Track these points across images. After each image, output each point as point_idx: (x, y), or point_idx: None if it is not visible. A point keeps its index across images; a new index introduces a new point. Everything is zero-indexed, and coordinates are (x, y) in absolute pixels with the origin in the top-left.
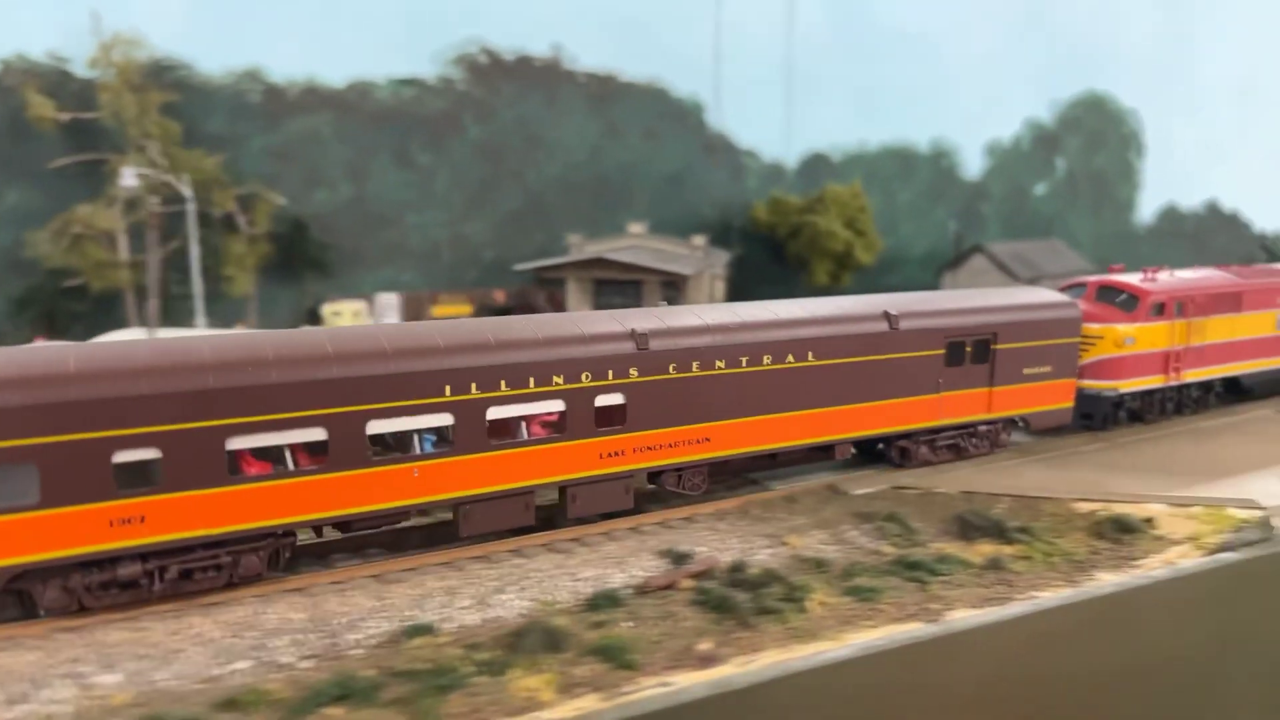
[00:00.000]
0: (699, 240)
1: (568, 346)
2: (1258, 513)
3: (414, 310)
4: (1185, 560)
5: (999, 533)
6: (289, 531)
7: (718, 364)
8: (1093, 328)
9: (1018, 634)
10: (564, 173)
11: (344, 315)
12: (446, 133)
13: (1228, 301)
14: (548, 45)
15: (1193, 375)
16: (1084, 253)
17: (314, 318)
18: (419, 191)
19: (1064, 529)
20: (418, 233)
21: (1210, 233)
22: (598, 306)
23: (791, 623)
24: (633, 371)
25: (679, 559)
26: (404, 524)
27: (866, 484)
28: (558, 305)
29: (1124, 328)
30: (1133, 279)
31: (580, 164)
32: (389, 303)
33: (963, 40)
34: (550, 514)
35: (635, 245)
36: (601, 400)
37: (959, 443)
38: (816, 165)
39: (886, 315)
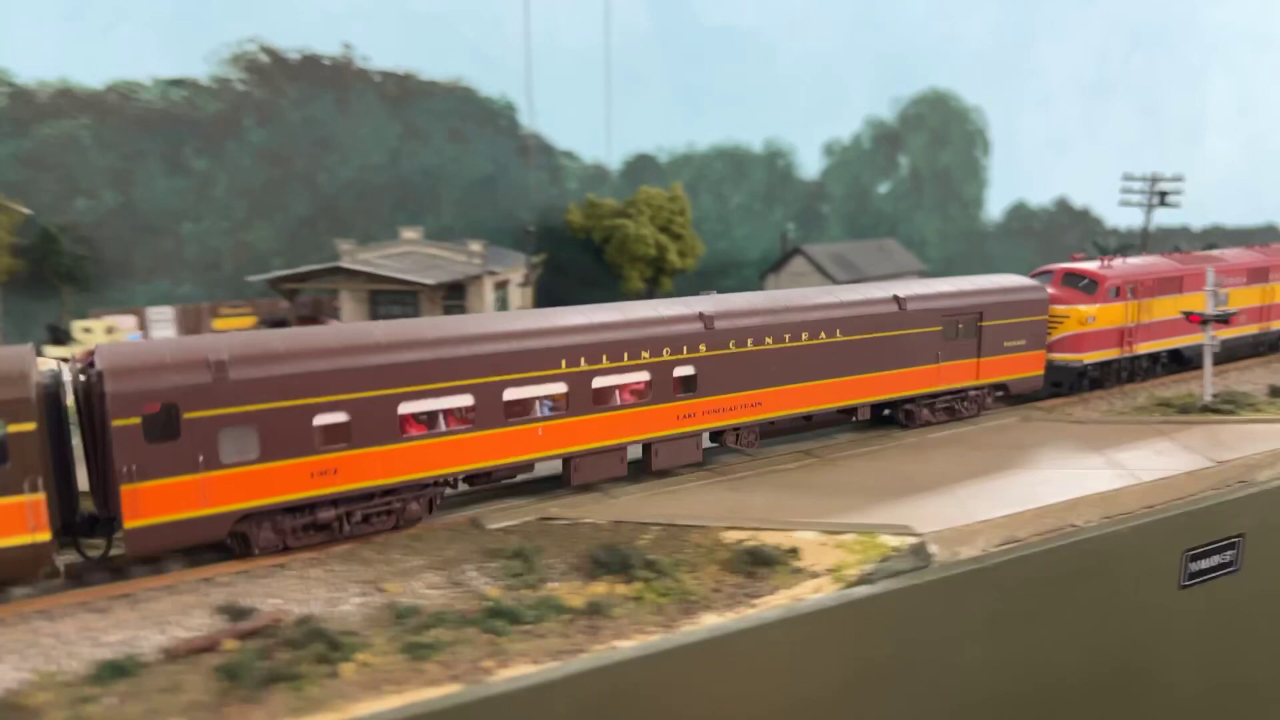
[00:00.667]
0: (476, 246)
1: (652, 327)
2: (910, 539)
3: (191, 323)
4: (813, 596)
5: (624, 569)
6: (443, 481)
7: (767, 340)
8: (1060, 308)
9: (586, 691)
10: (360, 176)
11: (96, 333)
12: (225, 136)
13: (1171, 284)
14: (337, 43)
15: (1144, 348)
16: (931, 251)
17: (59, 335)
18: (195, 198)
19: (701, 562)
20: (195, 242)
21: (1061, 229)
22: (375, 316)
23: (308, 691)
24: (702, 347)
25: (238, 615)
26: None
27: (511, 515)
28: (327, 316)
29: (1086, 308)
30: (1092, 266)
31: (378, 167)
32: (162, 316)
33: (796, 37)
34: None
35: (409, 252)
36: (678, 371)
37: (954, 405)
38: (642, 167)
39: (896, 299)
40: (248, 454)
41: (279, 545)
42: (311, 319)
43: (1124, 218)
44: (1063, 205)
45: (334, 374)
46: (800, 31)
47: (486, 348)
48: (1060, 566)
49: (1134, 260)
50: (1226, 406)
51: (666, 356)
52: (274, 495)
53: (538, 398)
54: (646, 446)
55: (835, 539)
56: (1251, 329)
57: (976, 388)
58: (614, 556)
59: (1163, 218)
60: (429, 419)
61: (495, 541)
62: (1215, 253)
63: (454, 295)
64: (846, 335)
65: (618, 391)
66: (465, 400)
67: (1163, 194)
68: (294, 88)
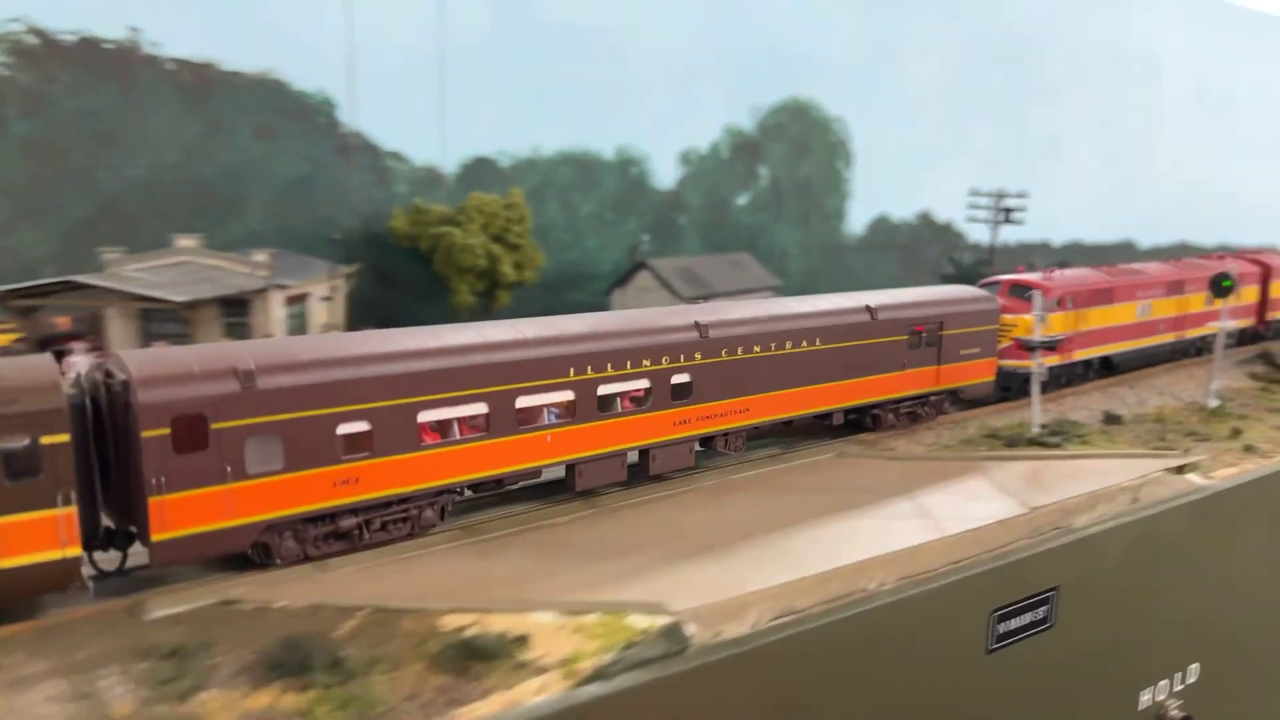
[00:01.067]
0: (260, 256)
1: (653, 335)
2: (663, 619)
3: None
4: (533, 701)
5: (303, 671)
6: (456, 489)
7: (755, 348)
8: (1008, 318)
9: None
10: (151, 175)
11: None
12: None
13: (1103, 296)
14: (121, 26)
15: (1080, 354)
16: (793, 264)
17: None
18: None
19: (406, 658)
20: None
21: (924, 244)
22: (148, 337)
23: None
24: (697, 355)
25: None
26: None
27: (184, 599)
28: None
29: (1029, 317)
30: (1036, 278)
31: (172, 166)
32: None
33: (648, 39)
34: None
35: (184, 262)
36: (675, 379)
37: (916, 410)
38: (481, 171)
39: (868, 309)
40: (273, 464)
41: (301, 555)
42: (64, 339)
43: (986, 233)
44: (925, 219)
45: (357, 383)
46: (652, 34)
47: (501, 356)
48: (847, 639)
49: (1069, 272)
50: (1053, 439)
51: (665, 364)
52: (298, 505)
53: (546, 405)
54: (644, 452)
55: (576, 621)
56: (1169, 337)
57: (936, 393)
58: (295, 654)
59: (1025, 233)
60: (444, 427)
61: (155, 635)
62: (1137, 266)
63: (235, 312)
64: (825, 344)
65: (619, 399)
66: (480, 408)
67: (1007, 210)
68: (69, 74)
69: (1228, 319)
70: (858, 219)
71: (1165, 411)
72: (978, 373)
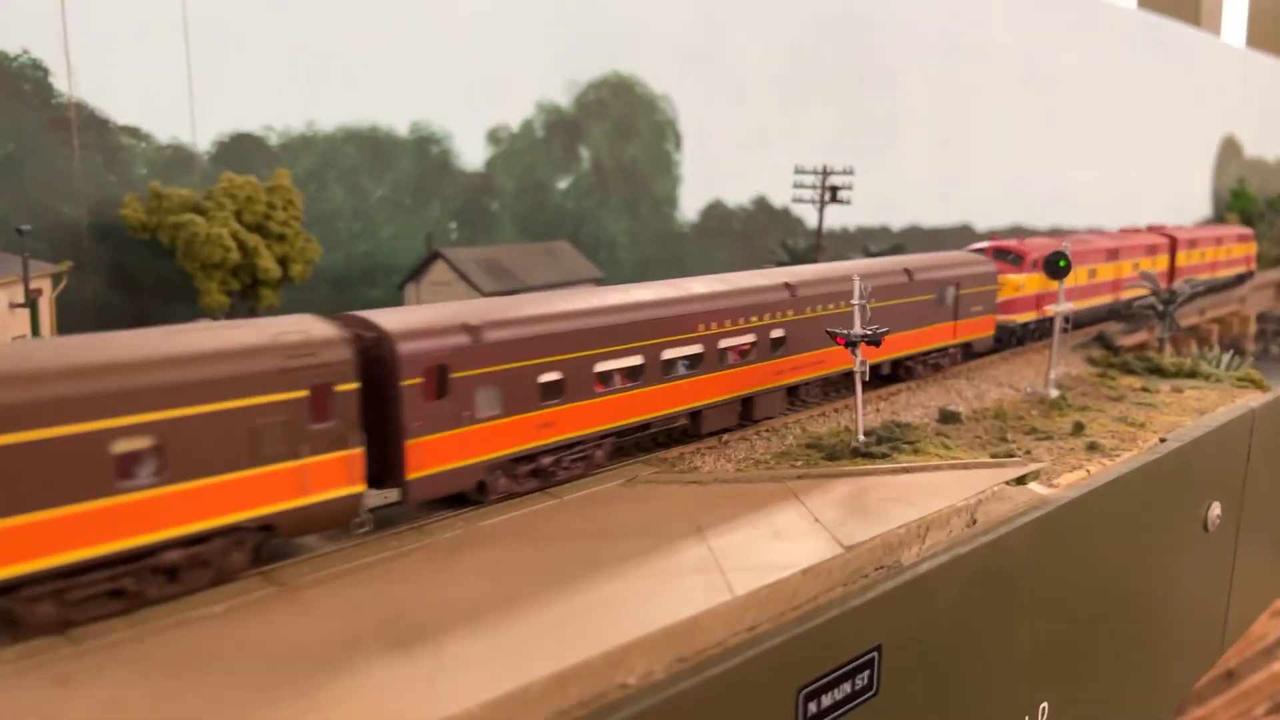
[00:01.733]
0: None
1: (757, 295)
2: None
3: None
4: None
5: None
6: (617, 432)
7: (830, 306)
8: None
9: None
10: None
11: None
12: None
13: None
14: None
15: (1050, 311)
16: (622, 254)
17: None
18: None
19: None
20: None
21: (761, 230)
22: None
23: None
24: (790, 312)
25: None
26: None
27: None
28: None
29: (1015, 277)
30: (1013, 243)
31: None
32: None
33: (444, 0)
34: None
35: None
36: (773, 334)
37: (939, 361)
38: (244, 150)
39: (906, 271)
40: (495, 409)
41: (510, 491)
42: None
43: (826, 218)
44: (762, 204)
45: (554, 337)
46: None
47: (652, 313)
48: None
49: (1039, 240)
50: (880, 449)
51: (766, 320)
52: (512, 446)
53: (680, 358)
54: (747, 399)
55: None
56: (1108, 298)
57: (954, 346)
58: None
59: (863, 217)
60: (608, 378)
61: None
62: (1081, 235)
63: None
64: (877, 302)
65: (730, 352)
66: (637, 360)
67: (834, 189)
68: None
69: (1065, 301)
70: (690, 205)
71: (1005, 405)
72: (983, 328)
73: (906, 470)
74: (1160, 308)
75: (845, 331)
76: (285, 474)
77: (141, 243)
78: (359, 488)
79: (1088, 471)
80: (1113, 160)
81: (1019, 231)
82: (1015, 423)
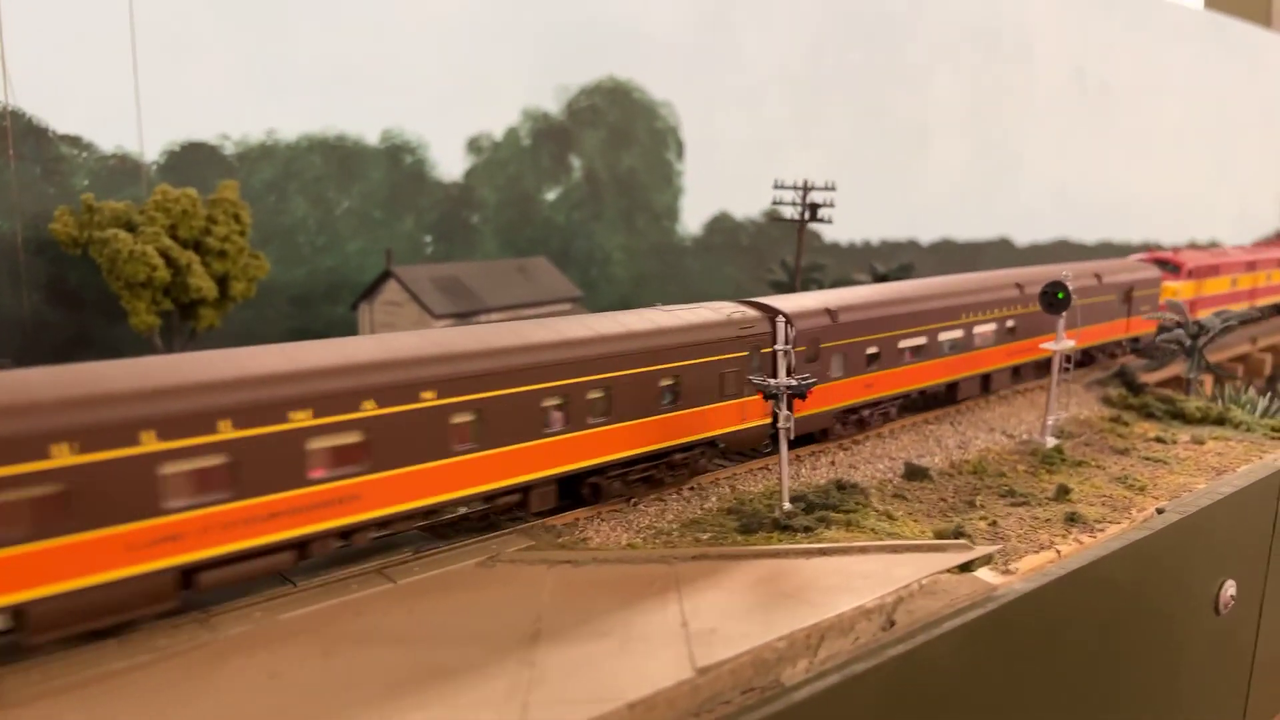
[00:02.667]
0: None
1: (998, 290)
2: None
3: None
4: None
5: None
6: (902, 396)
7: (1034, 306)
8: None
9: None
10: None
11: None
12: None
13: (1213, 270)
14: None
15: (1200, 314)
16: (617, 270)
17: None
18: None
19: None
20: None
21: (773, 244)
22: None
23: None
24: (1018, 308)
25: None
26: None
27: None
28: None
29: (1173, 284)
30: (1170, 254)
31: None
32: None
33: (415, 1)
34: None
35: None
36: (1009, 324)
37: (1115, 351)
38: (197, 160)
39: (1096, 274)
40: (840, 372)
41: (844, 435)
42: None
43: (844, 232)
44: (773, 216)
45: (875, 320)
46: None
47: (935, 304)
48: None
49: (1193, 252)
50: (803, 522)
51: (1005, 314)
52: (848, 400)
53: (948, 340)
54: (986, 377)
55: None
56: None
57: (1126, 339)
58: None
59: (888, 230)
60: (903, 353)
61: None
62: (1223, 249)
63: None
64: (1081, 299)
65: (978, 336)
66: (922, 341)
67: (814, 207)
68: None
69: (1064, 338)
70: (694, 217)
71: (989, 456)
72: (1148, 325)
73: (823, 552)
74: (1187, 342)
75: (764, 382)
76: (735, 408)
77: (77, 259)
78: (767, 420)
79: (1058, 553)
80: (1170, 170)
81: (1064, 246)
82: (992, 482)
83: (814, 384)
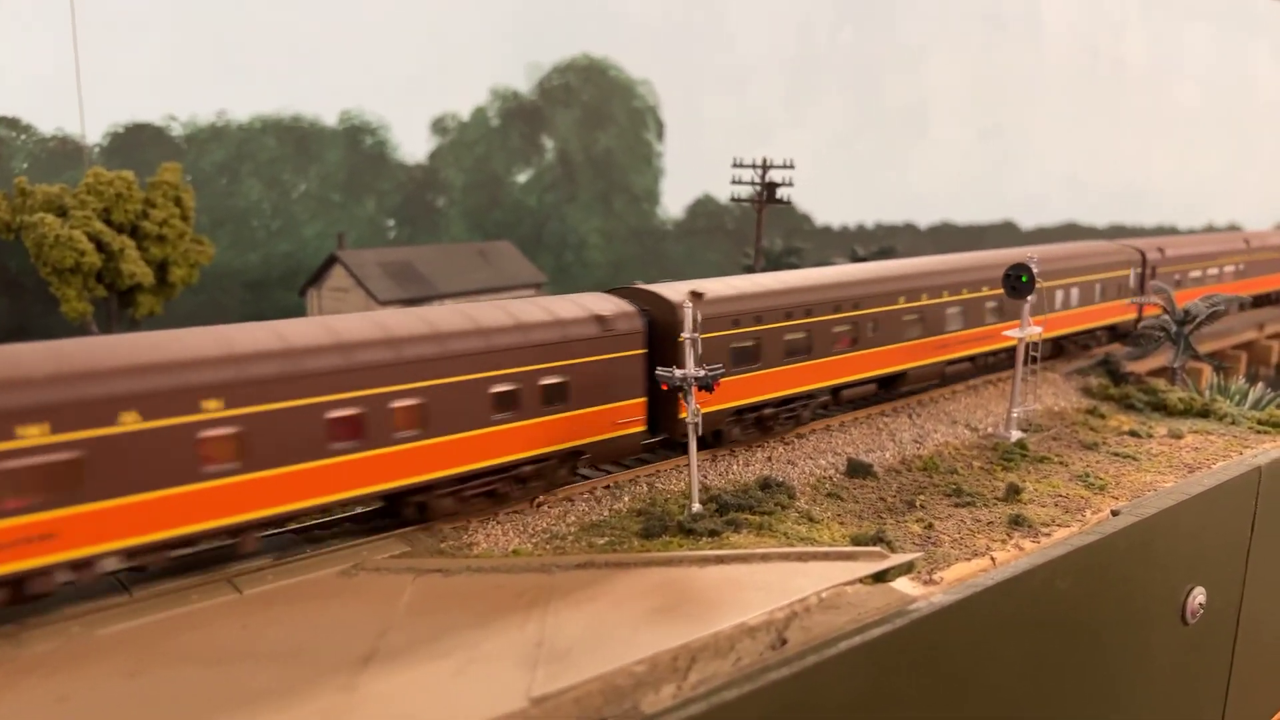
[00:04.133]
0: None
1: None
2: None
3: None
4: None
5: None
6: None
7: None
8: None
9: None
10: None
11: None
12: None
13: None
14: None
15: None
16: (593, 254)
17: None
18: None
19: None
20: None
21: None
22: None
23: None
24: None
25: None
26: None
27: None
28: None
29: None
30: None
31: None
32: None
33: None
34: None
35: None
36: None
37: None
38: (142, 142)
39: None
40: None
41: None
42: None
43: (836, 214)
44: (733, 199)
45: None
46: None
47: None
48: None
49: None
50: (709, 525)
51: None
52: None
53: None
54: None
55: None
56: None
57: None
58: None
59: (884, 213)
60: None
61: None
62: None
63: None
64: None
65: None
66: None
67: (771, 186)
68: None
69: (1029, 324)
70: (675, 200)
71: (945, 452)
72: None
73: (721, 560)
74: (1173, 329)
75: (669, 374)
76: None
77: (15, 244)
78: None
79: (992, 560)
80: (1188, 153)
81: (1073, 230)
82: (941, 480)
83: (722, 374)
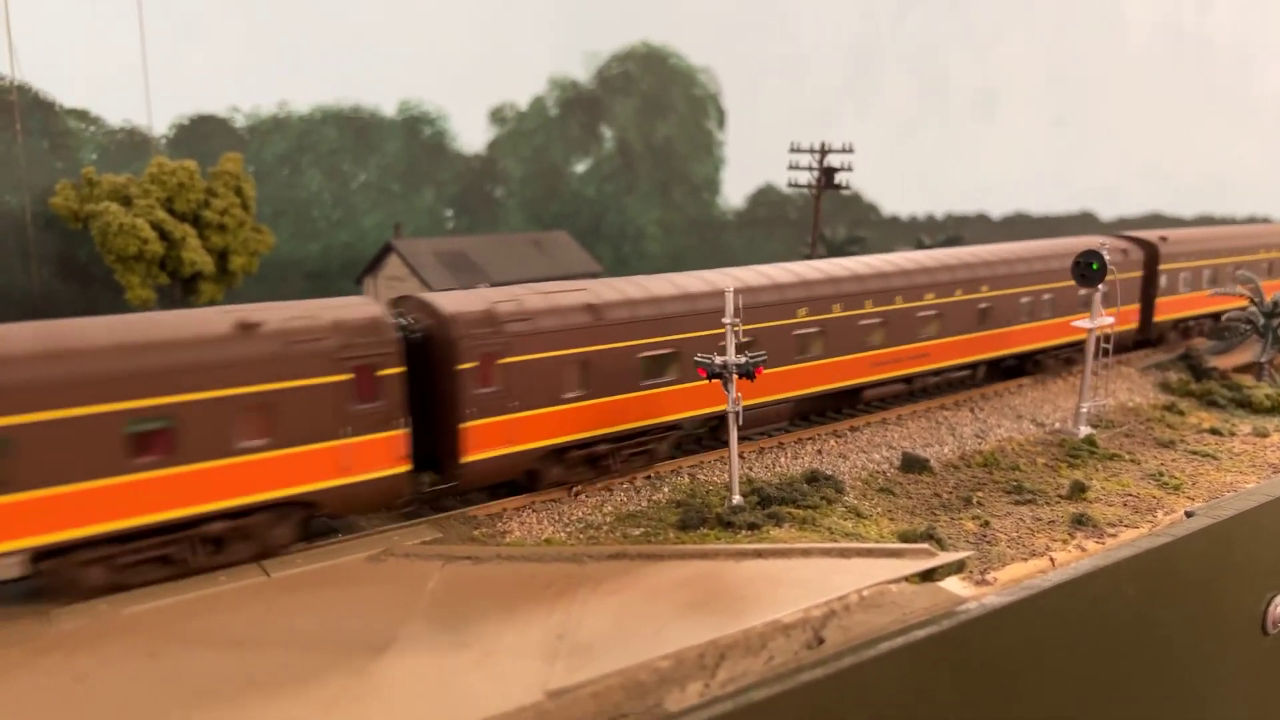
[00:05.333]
0: None
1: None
2: None
3: None
4: None
5: None
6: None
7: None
8: None
9: None
10: None
11: None
12: None
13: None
14: None
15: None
16: (651, 245)
17: None
18: None
19: None
20: None
21: (825, 217)
22: None
23: None
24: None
25: None
26: None
27: None
28: None
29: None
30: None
31: None
32: None
33: None
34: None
35: None
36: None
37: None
38: (206, 133)
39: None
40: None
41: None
42: None
43: (902, 204)
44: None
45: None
46: None
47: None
48: None
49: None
50: (750, 518)
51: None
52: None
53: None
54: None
55: None
56: None
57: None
58: None
59: (953, 204)
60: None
61: None
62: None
63: None
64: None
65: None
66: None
67: (829, 171)
68: None
69: (1100, 314)
70: (736, 190)
71: (1007, 448)
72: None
73: (759, 555)
74: (1260, 321)
75: (709, 360)
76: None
77: (83, 232)
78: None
79: (1051, 561)
80: None
81: (1157, 220)
82: (1002, 476)
83: (764, 361)
